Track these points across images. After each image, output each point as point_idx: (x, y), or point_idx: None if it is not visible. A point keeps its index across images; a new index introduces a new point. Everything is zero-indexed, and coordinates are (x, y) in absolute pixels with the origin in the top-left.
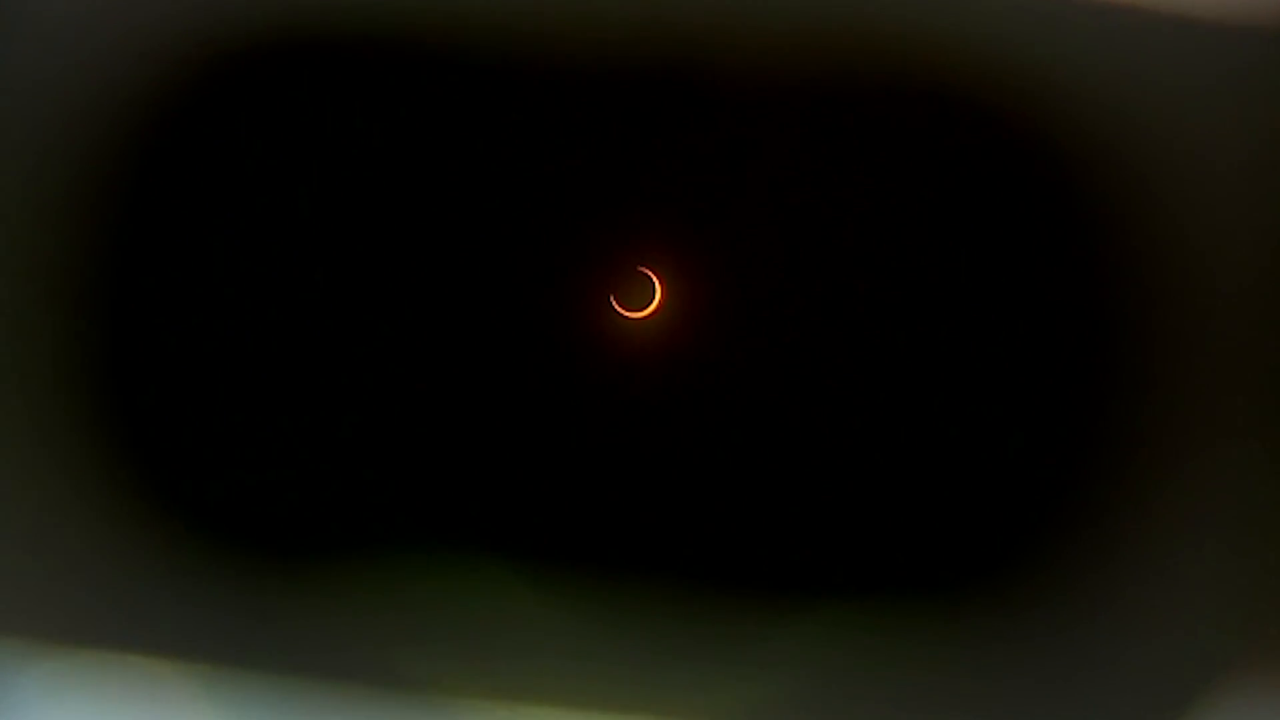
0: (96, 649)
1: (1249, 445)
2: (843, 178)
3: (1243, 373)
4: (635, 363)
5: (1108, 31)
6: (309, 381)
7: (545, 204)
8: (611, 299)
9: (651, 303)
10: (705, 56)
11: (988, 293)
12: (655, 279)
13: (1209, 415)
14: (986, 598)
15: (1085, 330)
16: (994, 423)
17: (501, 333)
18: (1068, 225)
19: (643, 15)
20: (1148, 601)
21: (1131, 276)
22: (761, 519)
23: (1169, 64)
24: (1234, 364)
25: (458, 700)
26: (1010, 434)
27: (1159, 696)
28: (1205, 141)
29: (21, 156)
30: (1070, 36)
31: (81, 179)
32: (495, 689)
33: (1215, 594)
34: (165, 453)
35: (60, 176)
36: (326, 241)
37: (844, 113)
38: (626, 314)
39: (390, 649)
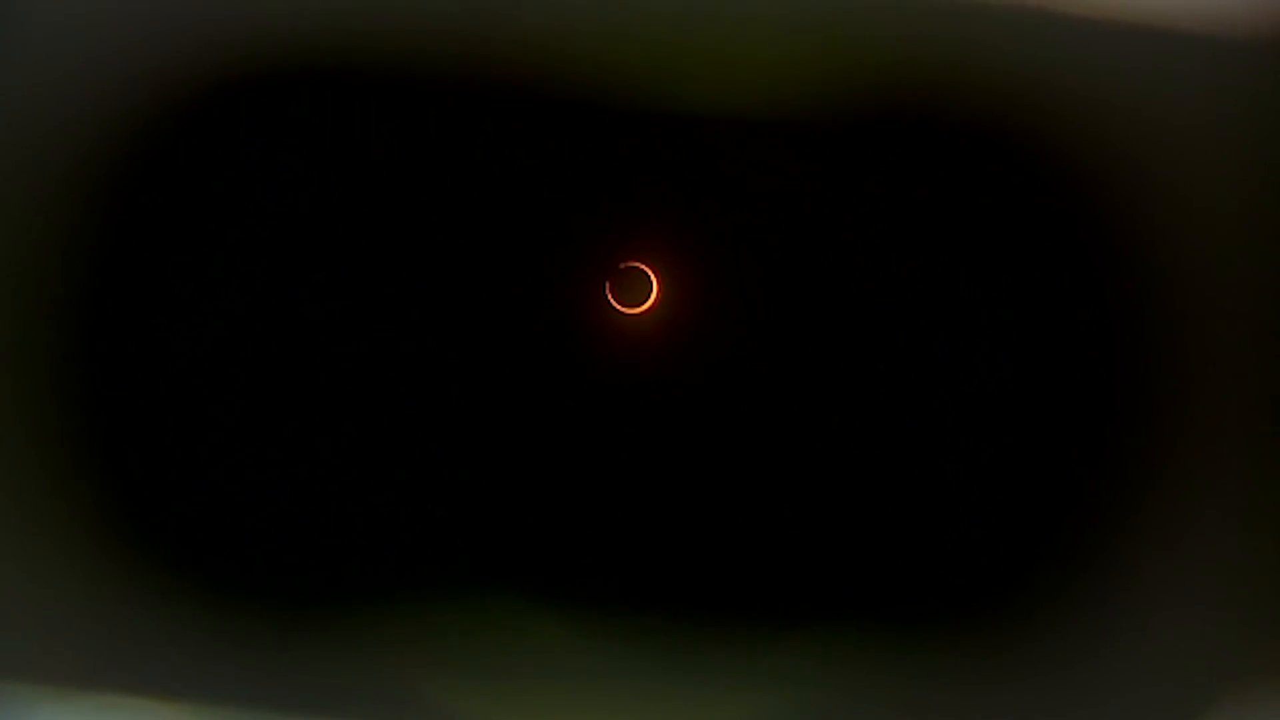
0: (106, 693)
1: (1256, 456)
2: (836, 178)
3: (1246, 381)
4: (632, 357)
5: (1106, 47)
6: (312, 403)
7: (544, 202)
8: (608, 294)
9: (648, 298)
10: (702, 61)
11: (985, 295)
12: (651, 275)
13: (1213, 425)
14: (994, 608)
15: (1084, 343)
16: (996, 429)
17: (500, 328)
18: (1061, 231)
19: (644, 24)
20: (1155, 610)
21: (1133, 290)
22: (761, 520)
23: (1169, 77)
24: (1237, 373)
25: None
26: (1014, 443)
27: (1166, 702)
28: (1206, 152)
29: (18, 162)
30: (1068, 53)
31: (78, 188)
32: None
33: (1223, 602)
34: (174, 500)
35: (57, 185)
36: (327, 237)
37: (837, 116)
38: (623, 309)
39: (394, 685)
